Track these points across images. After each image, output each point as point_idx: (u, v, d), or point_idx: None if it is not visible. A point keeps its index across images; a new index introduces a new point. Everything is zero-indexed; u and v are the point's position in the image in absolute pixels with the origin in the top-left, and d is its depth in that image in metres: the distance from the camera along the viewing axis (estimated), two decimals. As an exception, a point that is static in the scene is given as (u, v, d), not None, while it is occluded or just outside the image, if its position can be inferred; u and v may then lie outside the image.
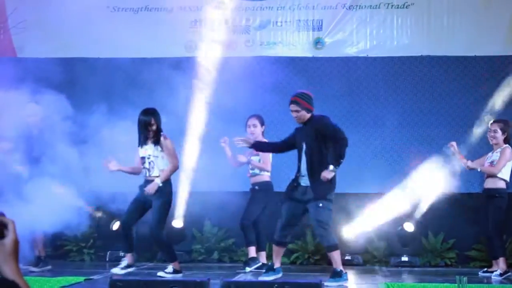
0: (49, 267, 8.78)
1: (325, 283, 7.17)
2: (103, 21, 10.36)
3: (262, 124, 8.97)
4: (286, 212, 7.88)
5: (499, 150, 8.65)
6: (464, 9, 10.17)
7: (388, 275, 8.68)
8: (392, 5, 10.26)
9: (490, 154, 8.76)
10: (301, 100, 7.79)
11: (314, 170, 7.66)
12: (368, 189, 9.95)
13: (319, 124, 7.74)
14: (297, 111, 7.78)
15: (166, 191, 8.10)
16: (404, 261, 9.72)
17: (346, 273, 7.81)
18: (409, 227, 9.77)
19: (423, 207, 9.81)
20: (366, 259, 9.87)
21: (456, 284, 5.96)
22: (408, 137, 10.14)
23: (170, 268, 8.10)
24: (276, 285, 6.31)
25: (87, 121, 9.61)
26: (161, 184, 8.00)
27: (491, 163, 8.65)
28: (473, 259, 9.77)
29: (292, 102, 7.82)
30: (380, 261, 9.91)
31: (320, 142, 7.68)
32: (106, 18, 10.41)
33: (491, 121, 8.88)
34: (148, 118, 8.02)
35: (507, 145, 8.64)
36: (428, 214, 9.95)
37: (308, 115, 7.81)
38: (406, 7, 10.23)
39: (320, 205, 7.63)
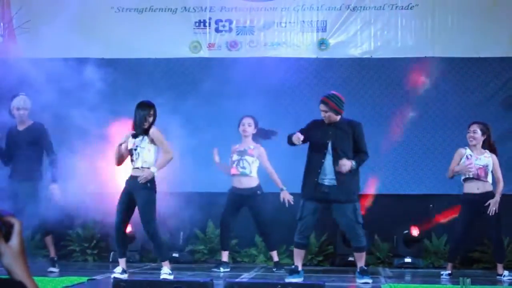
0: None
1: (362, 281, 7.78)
2: (108, 21, 10.39)
3: (256, 125, 8.98)
4: (312, 213, 7.89)
5: (487, 155, 8.61)
6: (468, 11, 10.17)
7: (392, 276, 8.69)
8: (396, 6, 10.26)
9: (470, 155, 8.59)
10: (330, 101, 7.86)
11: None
12: (370, 190, 9.96)
13: (356, 130, 7.92)
14: (324, 111, 7.85)
15: (154, 184, 7.89)
16: (408, 263, 9.71)
17: None
18: (414, 228, 9.75)
19: (427, 209, 9.83)
20: (369, 260, 9.85)
21: (459, 286, 5.97)
22: (412, 138, 10.15)
23: (167, 268, 7.89)
24: (279, 286, 6.31)
25: (90, 121, 9.62)
26: (156, 174, 7.85)
27: (485, 166, 8.59)
28: (476, 260, 9.76)
29: (321, 101, 7.91)
30: (383, 262, 9.91)
31: (350, 145, 7.85)
32: (111, 19, 10.44)
33: (471, 123, 8.79)
34: (147, 111, 7.86)
35: (488, 151, 8.64)
36: (432, 215, 9.97)
37: (337, 117, 7.89)
38: (411, 8, 10.23)
39: (357, 206, 7.86)
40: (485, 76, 10.12)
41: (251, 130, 8.94)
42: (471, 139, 8.63)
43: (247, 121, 8.97)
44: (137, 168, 7.88)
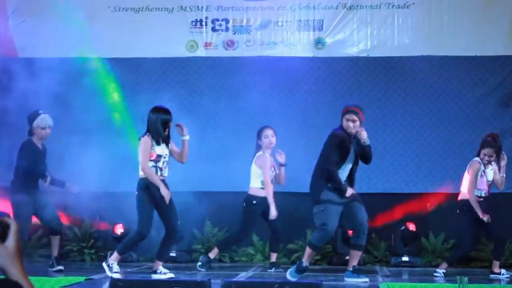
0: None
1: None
2: (104, 21, 10.37)
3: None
4: (337, 219, 7.87)
5: (491, 166, 8.62)
6: (464, 9, 10.18)
7: (389, 275, 8.69)
8: (392, 5, 10.26)
9: (484, 172, 8.59)
10: (361, 112, 7.88)
11: (354, 176, 8.00)
12: (368, 189, 9.96)
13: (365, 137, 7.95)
14: (354, 121, 7.82)
15: None
16: (405, 261, 9.72)
17: None
18: (412, 226, 9.78)
19: (425, 207, 9.84)
20: (367, 259, 9.87)
21: (457, 284, 5.96)
22: (409, 137, 10.15)
23: (163, 267, 7.97)
24: (277, 285, 6.30)
25: (89, 120, 9.63)
26: None
27: (491, 182, 8.65)
28: (474, 259, 9.76)
29: (354, 112, 7.82)
30: (381, 261, 9.92)
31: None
32: (107, 18, 10.42)
33: (486, 145, 8.59)
34: (170, 117, 7.87)
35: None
36: (429, 214, 9.98)
37: None
38: (407, 7, 10.23)
39: None
40: (482, 74, 10.12)
41: (275, 140, 8.90)
42: (486, 161, 8.58)
43: (271, 132, 8.83)
44: (164, 175, 7.91)
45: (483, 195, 8.62)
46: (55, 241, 8.75)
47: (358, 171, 9.60)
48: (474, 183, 8.53)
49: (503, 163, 8.53)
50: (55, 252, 8.75)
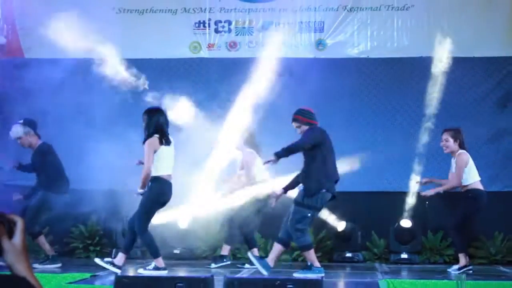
0: (59, 264, 8.97)
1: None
2: (109, 22, 10.47)
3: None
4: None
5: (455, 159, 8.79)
6: (462, 11, 10.27)
7: (388, 272, 8.79)
8: (392, 7, 10.36)
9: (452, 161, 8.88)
10: (298, 115, 8.26)
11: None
12: (368, 188, 10.06)
13: None
14: (298, 127, 8.22)
15: (154, 187, 8.00)
16: (404, 258, 9.82)
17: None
18: (406, 223, 9.87)
19: (423, 205, 9.95)
20: (366, 256, 9.97)
21: (455, 281, 6.06)
22: (409, 137, 10.22)
23: (152, 264, 8.16)
24: (278, 282, 6.42)
25: (94, 121, 9.75)
26: (141, 192, 7.97)
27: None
28: (472, 256, 9.84)
29: (293, 120, 8.30)
30: (380, 258, 10.01)
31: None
32: (112, 20, 10.52)
33: (443, 131, 8.92)
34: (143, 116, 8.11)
35: (461, 150, 8.72)
36: (428, 212, 10.06)
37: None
38: (406, 9, 10.34)
39: None
40: (479, 75, 10.20)
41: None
42: (444, 147, 8.84)
43: None
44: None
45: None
46: (40, 241, 9.07)
47: (358, 169, 9.70)
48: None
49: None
50: (47, 250, 9.09)
